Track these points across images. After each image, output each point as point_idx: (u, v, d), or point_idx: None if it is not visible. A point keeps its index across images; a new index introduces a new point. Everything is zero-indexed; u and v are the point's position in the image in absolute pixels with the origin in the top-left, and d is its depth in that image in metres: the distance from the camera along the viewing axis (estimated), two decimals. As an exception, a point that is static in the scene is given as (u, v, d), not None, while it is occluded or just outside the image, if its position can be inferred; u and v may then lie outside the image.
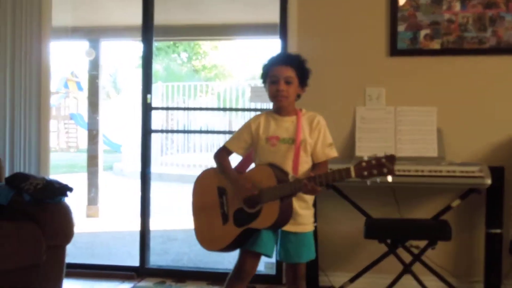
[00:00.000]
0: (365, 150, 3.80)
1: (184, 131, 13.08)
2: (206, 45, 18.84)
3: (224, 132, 10.29)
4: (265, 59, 2.84)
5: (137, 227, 4.43)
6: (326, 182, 2.50)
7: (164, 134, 12.83)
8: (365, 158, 2.41)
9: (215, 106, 13.42)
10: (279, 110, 2.80)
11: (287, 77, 2.73)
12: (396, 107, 3.90)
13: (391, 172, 2.35)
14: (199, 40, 16.07)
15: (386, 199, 3.90)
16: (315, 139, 2.75)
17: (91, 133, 7.54)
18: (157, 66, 15.06)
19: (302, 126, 2.74)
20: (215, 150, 2.91)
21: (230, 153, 2.86)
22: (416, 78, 3.96)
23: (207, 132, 13.68)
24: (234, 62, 19.07)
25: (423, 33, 3.92)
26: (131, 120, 12.13)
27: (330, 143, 2.77)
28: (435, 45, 3.91)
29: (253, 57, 18.55)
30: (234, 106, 11.92)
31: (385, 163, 2.36)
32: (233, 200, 2.72)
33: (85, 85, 14.52)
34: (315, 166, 2.76)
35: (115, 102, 16.77)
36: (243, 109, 11.79)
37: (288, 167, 2.68)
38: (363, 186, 3.62)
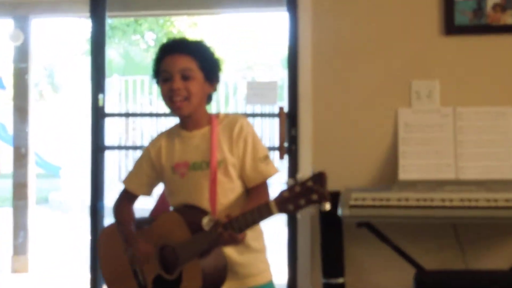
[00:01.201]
0: (412, 170, 3.80)
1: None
2: (181, 22, 18.92)
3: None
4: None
5: (85, 287, 4.40)
6: (246, 226, 2.52)
7: (123, 151, 12.83)
8: (288, 185, 2.44)
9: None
10: (184, 122, 2.81)
11: (183, 70, 2.71)
12: (455, 107, 3.91)
13: (323, 198, 2.37)
14: (172, 15, 16.13)
15: (444, 241, 3.89)
16: (240, 154, 2.74)
17: (17, 152, 7.51)
18: (112, 53, 15.07)
19: (218, 140, 2.74)
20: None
21: (132, 196, 2.91)
22: (483, 66, 3.98)
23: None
24: (221, 47, 19.11)
25: (490, 2, 3.94)
26: (75, 131, 12.14)
27: (265, 156, 2.76)
28: (508, 19, 3.94)
29: (249, 39, 18.61)
30: (223, 110, 11.95)
31: (313, 186, 2.37)
32: (148, 265, 2.76)
33: (8, 82, 14.51)
34: (250, 193, 2.76)
35: (52, 106, 16.80)
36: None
37: (205, 201, 2.71)
38: (409, 222, 3.58)
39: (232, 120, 2.78)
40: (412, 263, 3.78)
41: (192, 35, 19.31)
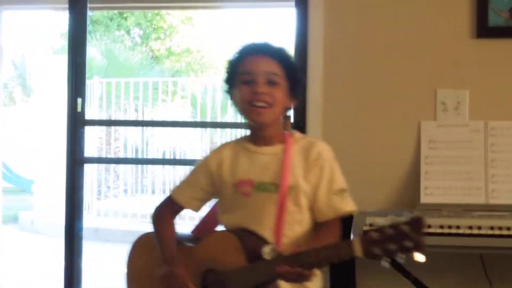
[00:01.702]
0: (436, 193, 3.82)
1: (136, 160, 13.09)
2: (173, 17, 18.95)
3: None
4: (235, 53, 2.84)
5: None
6: (317, 264, 2.52)
7: (104, 165, 12.82)
8: (377, 225, 2.46)
9: (188, 118, 13.44)
10: (256, 135, 2.81)
11: (269, 73, 2.72)
12: (487, 121, 3.93)
13: (418, 247, 2.37)
14: (162, 9, 16.15)
15: (470, 274, 3.90)
16: (314, 183, 2.76)
17: (-18, 162, 7.54)
18: (93, 51, 15.05)
19: (291, 162, 2.75)
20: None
21: (178, 208, 2.91)
22: (521, 75, 4.00)
23: (173, 162, 13.67)
24: (219, 45, 19.14)
25: (530, 0, 3.97)
26: (50, 140, 12.13)
27: (341, 189, 2.79)
28: (551, 20, 3.97)
29: (252, 36, 18.63)
30: (219, 119, 11.96)
31: (408, 232, 2.38)
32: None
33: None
34: (318, 228, 2.77)
35: (23, 111, 16.80)
36: (235, 124, 11.78)
37: (269, 229, 2.71)
38: (431, 252, 3.61)
39: (310, 143, 2.81)
40: (434, 299, 3.78)
41: (185, 33, 19.36)
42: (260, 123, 2.75)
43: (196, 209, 2.93)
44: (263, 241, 2.67)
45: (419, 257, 2.39)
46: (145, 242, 2.97)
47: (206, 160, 2.89)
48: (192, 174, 2.92)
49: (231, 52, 2.84)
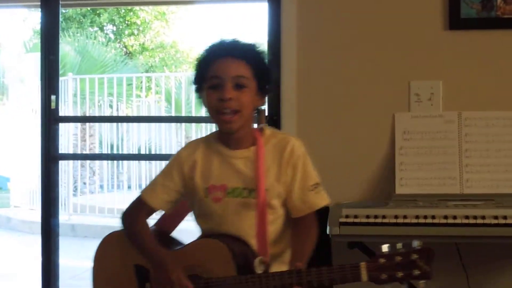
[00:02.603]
0: (411, 183, 3.84)
1: (112, 156, 13.04)
2: (146, 12, 18.88)
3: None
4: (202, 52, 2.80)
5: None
6: (319, 285, 2.49)
7: (79, 161, 12.76)
8: (385, 250, 2.44)
9: (163, 113, 13.40)
10: (228, 138, 2.79)
11: (237, 77, 2.68)
12: (460, 112, 3.95)
13: (427, 276, 2.38)
14: (135, 5, 16.10)
15: (446, 263, 3.89)
16: (288, 182, 2.76)
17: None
18: (67, 48, 14.96)
19: (265, 163, 2.73)
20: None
21: (150, 210, 2.85)
22: (493, 65, 4.02)
23: (149, 157, 13.63)
24: (193, 40, 19.10)
25: (502, -9, 4.00)
26: (24, 138, 12.06)
27: (315, 184, 2.79)
28: (522, 11, 3.99)
29: (225, 32, 18.59)
30: (194, 113, 11.95)
31: (417, 261, 2.39)
32: None
33: None
34: (295, 226, 2.77)
35: (-3, 109, 16.68)
36: (210, 119, 11.83)
37: (247, 235, 2.70)
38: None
39: (281, 141, 2.79)
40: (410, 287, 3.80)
41: (159, 29, 19.30)
42: (229, 130, 2.72)
43: (168, 210, 2.88)
44: (250, 250, 2.67)
45: (423, 285, 2.40)
46: (115, 240, 2.90)
47: (178, 161, 2.83)
48: (165, 174, 2.85)
49: (200, 51, 2.81)
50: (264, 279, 2.54)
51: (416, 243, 2.41)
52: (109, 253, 2.90)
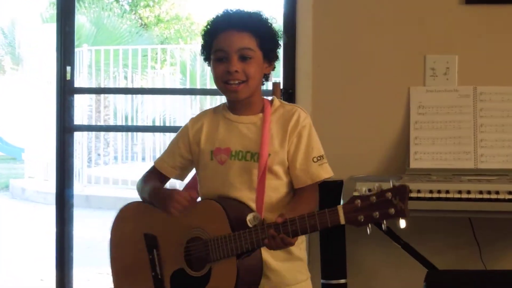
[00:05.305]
0: (425, 158, 3.85)
1: (126, 128, 13.09)
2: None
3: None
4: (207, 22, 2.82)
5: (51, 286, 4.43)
6: (302, 231, 2.53)
7: (94, 132, 12.80)
8: (362, 193, 2.46)
9: (178, 85, 13.41)
10: (235, 105, 2.82)
11: (242, 50, 2.71)
12: (476, 87, 3.94)
13: (402, 213, 2.40)
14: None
15: (459, 238, 3.94)
16: (292, 150, 2.77)
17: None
18: (82, 19, 14.98)
19: (270, 130, 2.75)
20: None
21: (162, 178, 2.92)
22: (509, 40, 4.01)
23: (163, 129, 13.67)
24: (209, 13, 19.03)
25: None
26: (39, 109, 12.09)
27: (319, 156, 2.79)
28: (540, -15, 3.96)
29: (240, 4, 18.54)
30: (209, 86, 11.94)
31: (392, 199, 2.41)
32: (169, 256, 2.77)
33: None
34: (295, 195, 2.79)
35: (12, 80, 16.72)
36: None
37: (247, 198, 2.73)
38: (421, 217, 3.60)
39: (289, 111, 2.79)
40: (423, 262, 3.80)
41: (174, 0, 19.24)
42: (237, 99, 2.77)
43: (180, 177, 2.95)
44: (247, 208, 2.69)
45: (402, 223, 2.41)
46: (130, 211, 2.95)
47: (185, 128, 2.90)
48: (172, 142, 2.94)
49: (205, 23, 2.82)
50: (252, 232, 2.57)
51: (391, 182, 2.43)
52: (124, 223, 2.95)
